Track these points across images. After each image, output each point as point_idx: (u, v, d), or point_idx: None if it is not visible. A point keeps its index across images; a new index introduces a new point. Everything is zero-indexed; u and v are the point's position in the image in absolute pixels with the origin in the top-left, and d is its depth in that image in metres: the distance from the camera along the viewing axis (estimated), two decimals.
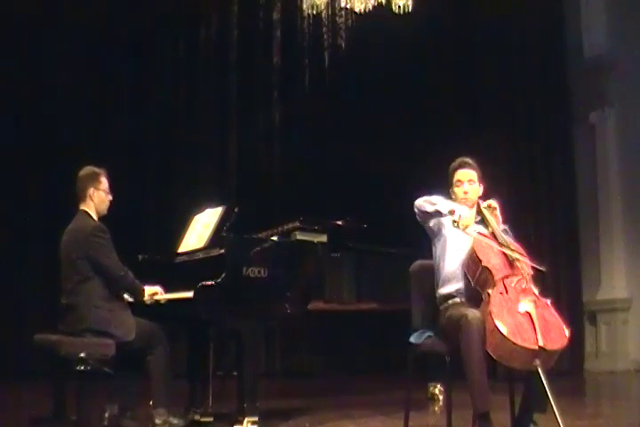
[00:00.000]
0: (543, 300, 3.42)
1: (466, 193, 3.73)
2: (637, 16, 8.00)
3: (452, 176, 3.80)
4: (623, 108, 8.19)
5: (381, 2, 6.22)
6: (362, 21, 6.74)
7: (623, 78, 8.15)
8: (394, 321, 4.86)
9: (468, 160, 3.83)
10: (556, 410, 3.06)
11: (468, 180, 3.76)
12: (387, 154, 8.11)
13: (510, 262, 3.48)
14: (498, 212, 3.71)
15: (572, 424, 4.07)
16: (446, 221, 3.65)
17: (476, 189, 3.76)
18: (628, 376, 7.50)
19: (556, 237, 8.16)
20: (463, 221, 3.46)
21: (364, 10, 6.29)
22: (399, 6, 6.20)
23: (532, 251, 7.50)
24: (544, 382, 3.07)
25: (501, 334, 3.12)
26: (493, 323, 3.15)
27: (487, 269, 3.42)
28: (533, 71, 8.35)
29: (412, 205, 3.80)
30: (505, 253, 3.49)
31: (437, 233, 3.75)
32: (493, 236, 3.58)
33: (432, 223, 3.74)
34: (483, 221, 3.72)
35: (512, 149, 8.30)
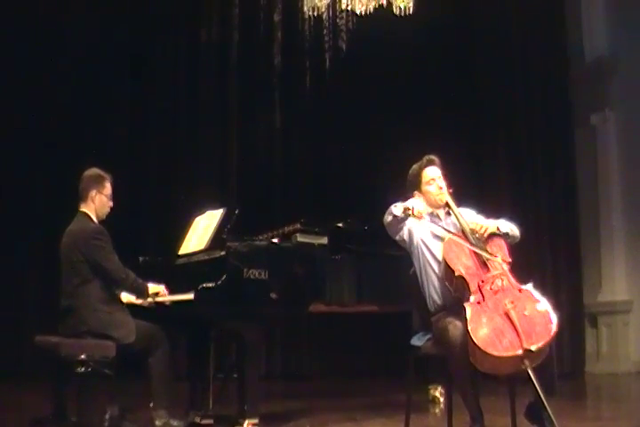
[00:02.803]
0: (524, 288, 3.38)
1: (441, 188, 3.70)
2: (638, 18, 7.99)
3: (421, 176, 3.75)
4: (624, 110, 8.18)
5: (382, 4, 6.22)
6: (363, 23, 6.74)
7: (624, 80, 8.15)
8: (394, 323, 4.86)
9: (434, 157, 3.81)
10: (548, 408, 3.07)
11: (438, 176, 3.74)
12: (387, 155, 8.11)
13: (483, 262, 3.45)
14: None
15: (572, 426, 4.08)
16: (414, 229, 3.64)
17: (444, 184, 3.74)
18: (629, 378, 7.49)
19: (556, 239, 8.17)
20: (416, 212, 3.41)
21: (365, 12, 6.28)
22: (400, 8, 6.20)
23: (533, 252, 7.57)
24: (535, 382, 3.07)
25: (482, 351, 3.11)
26: (473, 341, 3.14)
27: (461, 277, 3.41)
28: (534, 73, 8.36)
29: None
30: (477, 253, 3.47)
31: (410, 246, 3.72)
32: (463, 234, 3.55)
33: (398, 237, 3.69)
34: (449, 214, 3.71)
35: (513, 151, 8.31)
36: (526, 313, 3.24)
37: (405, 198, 3.64)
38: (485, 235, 3.55)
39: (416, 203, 3.51)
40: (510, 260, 3.51)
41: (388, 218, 3.58)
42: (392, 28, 7.00)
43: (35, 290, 7.59)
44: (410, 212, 3.42)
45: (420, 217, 3.44)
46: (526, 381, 3.12)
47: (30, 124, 7.78)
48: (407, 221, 3.63)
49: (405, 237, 3.71)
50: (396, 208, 3.52)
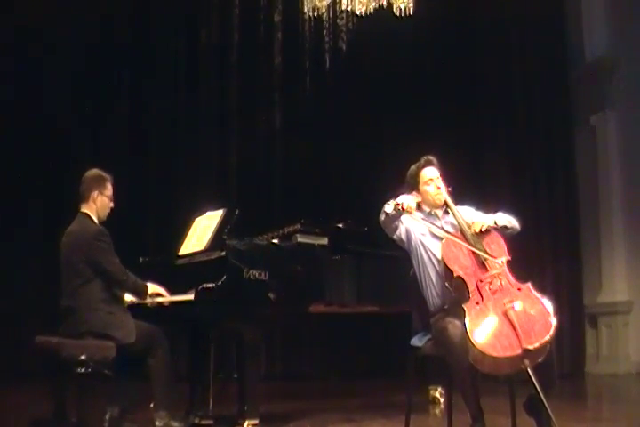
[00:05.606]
0: (523, 287, 3.37)
1: (439, 188, 3.71)
2: (638, 18, 7.99)
3: (419, 176, 3.77)
4: (624, 111, 8.19)
5: (382, 4, 6.22)
6: (363, 24, 6.74)
7: (624, 80, 8.16)
8: (394, 324, 4.86)
9: (432, 158, 3.82)
10: (548, 408, 3.07)
11: (436, 177, 3.76)
12: (387, 156, 8.11)
13: (482, 262, 3.44)
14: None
15: None
16: (412, 228, 3.65)
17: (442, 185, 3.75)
18: (629, 379, 7.49)
19: (557, 240, 8.17)
20: (406, 206, 3.44)
21: (365, 12, 6.29)
22: (400, 9, 6.20)
23: (534, 252, 7.58)
24: (534, 381, 3.07)
25: (482, 352, 3.12)
26: (472, 343, 3.14)
27: (460, 278, 3.41)
28: (534, 73, 8.37)
29: None
30: (475, 253, 3.46)
31: (408, 245, 3.72)
32: (462, 233, 3.55)
33: (396, 236, 3.71)
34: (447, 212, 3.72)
35: (513, 151, 8.31)
36: (526, 312, 3.24)
37: (397, 195, 3.66)
38: (483, 230, 3.55)
39: (406, 198, 3.54)
40: (509, 258, 3.51)
41: (382, 216, 3.61)
42: (392, 28, 7.00)
43: (35, 290, 7.58)
44: (399, 207, 3.45)
45: (410, 212, 3.47)
46: (526, 380, 3.11)
47: (30, 124, 7.77)
48: (403, 220, 3.65)
49: (403, 236, 3.72)
50: (389, 206, 3.55)
